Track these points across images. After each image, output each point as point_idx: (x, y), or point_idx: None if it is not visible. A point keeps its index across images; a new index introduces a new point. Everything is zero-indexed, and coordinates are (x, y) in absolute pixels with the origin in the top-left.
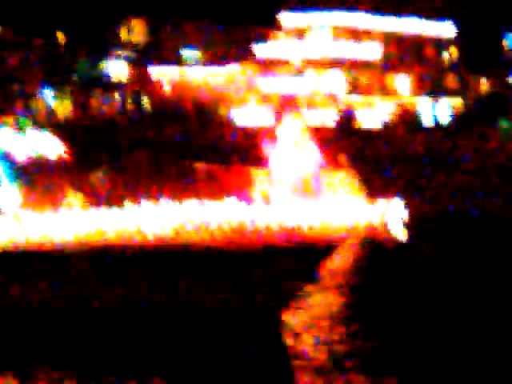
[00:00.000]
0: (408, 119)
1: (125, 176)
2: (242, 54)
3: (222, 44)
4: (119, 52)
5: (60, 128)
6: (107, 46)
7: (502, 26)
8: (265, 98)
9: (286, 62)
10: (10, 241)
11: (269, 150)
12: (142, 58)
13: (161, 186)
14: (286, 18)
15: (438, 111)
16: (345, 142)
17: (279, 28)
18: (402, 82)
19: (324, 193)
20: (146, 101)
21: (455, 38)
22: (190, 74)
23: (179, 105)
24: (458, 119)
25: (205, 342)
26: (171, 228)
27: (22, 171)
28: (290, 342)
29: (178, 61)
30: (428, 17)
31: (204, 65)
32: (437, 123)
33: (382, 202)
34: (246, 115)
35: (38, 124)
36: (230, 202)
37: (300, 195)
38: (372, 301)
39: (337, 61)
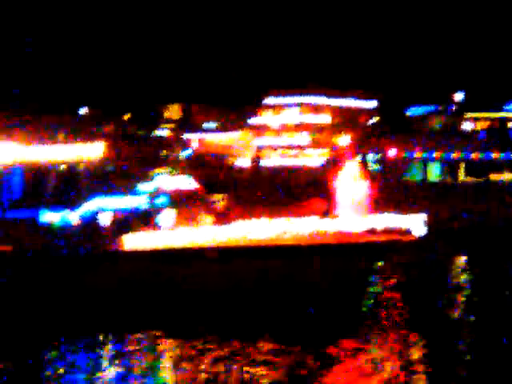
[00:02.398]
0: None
1: (237, 201)
2: (242, 124)
3: (229, 118)
4: (164, 125)
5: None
6: (156, 121)
7: (405, 103)
8: (258, 150)
9: (269, 128)
10: (168, 245)
11: (334, 183)
12: (178, 129)
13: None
14: (269, 100)
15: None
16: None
17: (265, 107)
18: (345, 139)
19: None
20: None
21: (377, 109)
22: (209, 137)
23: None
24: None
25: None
26: (273, 235)
27: (173, 200)
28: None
29: (201, 129)
30: (360, 98)
31: (218, 131)
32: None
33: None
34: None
35: (180, 171)
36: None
37: (356, 211)
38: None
39: (302, 126)
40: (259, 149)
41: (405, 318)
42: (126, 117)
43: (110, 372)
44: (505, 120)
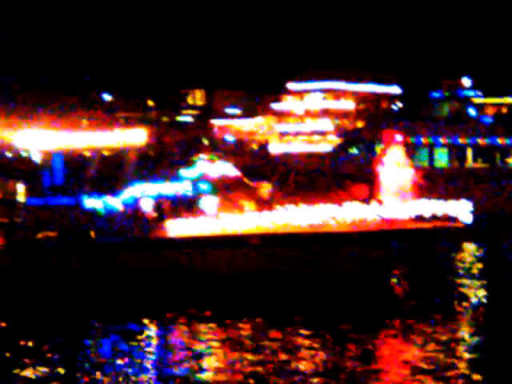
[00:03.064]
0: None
1: (280, 188)
2: (265, 110)
3: (252, 104)
4: (188, 111)
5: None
6: (181, 107)
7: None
8: (281, 137)
9: (293, 114)
10: (211, 231)
11: (379, 168)
12: (202, 115)
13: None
14: (291, 86)
15: None
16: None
17: (288, 92)
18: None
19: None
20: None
21: (400, 95)
22: (232, 124)
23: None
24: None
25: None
26: (315, 221)
27: (216, 187)
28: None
29: (225, 115)
30: (382, 83)
31: (241, 118)
32: None
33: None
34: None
35: (221, 158)
36: (352, 205)
37: (400, 197)
38: None
39: (325, 112)
40: (282, 134)
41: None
42: (151, 103)
43: (151, 356)
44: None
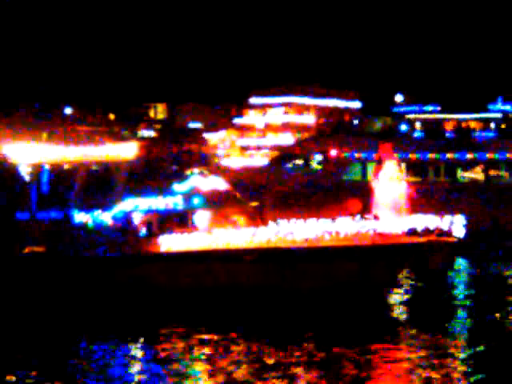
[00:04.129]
0: None
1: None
2: (228, 124)
3: (215, 118)
4: (149, 124)
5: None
6: (142, 120)
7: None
8: (243, 151)
9: (255, 128)
10: (204, 246)
11: (374, 184)
12: (164, 129)
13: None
14: (254, 100)
15: None
16: None
17: (250, 107)
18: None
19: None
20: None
21: (360, 109)
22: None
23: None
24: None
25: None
26: (310, 236)
27: (209, 201)
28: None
29: (187, 130)
30: (343, 98)
31: (204, 132)
32: None
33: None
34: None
35: (212, 172)
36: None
37: (394, 211)
38: None
39: (287, 126)
40: (243, 148)
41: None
42: (112, 116)
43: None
44: (441, 121)
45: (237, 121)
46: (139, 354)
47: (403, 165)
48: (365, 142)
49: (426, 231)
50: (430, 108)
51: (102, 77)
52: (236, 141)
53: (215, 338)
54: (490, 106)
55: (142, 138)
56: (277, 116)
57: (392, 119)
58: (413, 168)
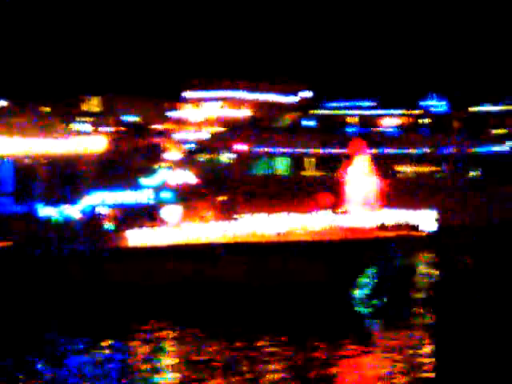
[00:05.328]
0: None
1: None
2: (163, 117)
3: (151, 112)
4: (83, 117)
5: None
6: (75, 113)
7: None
8: (178, 145)
9: (190, 122)
10: (173, 241)
11: (344, 176)
12: (98, 121)
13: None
14: (189, 94)
15: None
16: None
17: (186, 100)
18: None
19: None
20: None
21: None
22: (130, 132)
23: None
24: None
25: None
26: (280, 231)
27: (179, 195)
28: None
29: (122, 124)
30: (279, 92)
31: (140, 126)
32: None
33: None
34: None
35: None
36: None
37: (364, 205)
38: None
39: (222, 120)
40: (179, 143)
41: (410, 313)
42: (46, 109)
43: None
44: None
45: (172, 114)
46: (105, 352)
47: (313, 160)
48: (274, 137)
49: (396, 226)
50: (367, 104)
51: (36, 69)
52: (171, 135)
53: (180, 334)
54: (421, 103)
55: (78, 132)
56: (213, 110)
57: (298, 114)
58: (321, 163)
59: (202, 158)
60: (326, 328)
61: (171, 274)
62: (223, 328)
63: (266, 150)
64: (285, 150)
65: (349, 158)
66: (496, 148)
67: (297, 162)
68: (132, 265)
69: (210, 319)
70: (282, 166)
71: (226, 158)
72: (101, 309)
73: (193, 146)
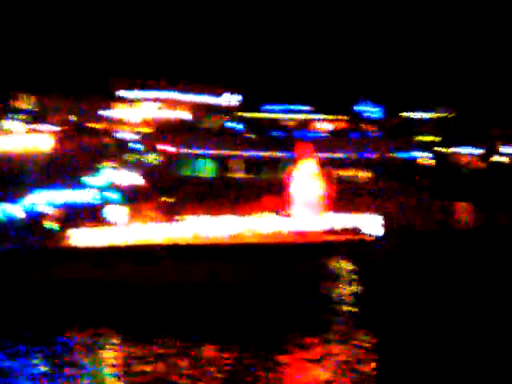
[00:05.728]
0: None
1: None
2: (97, 117)
3: (86, 111)
4: (15, 115)
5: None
6: (7, 111)
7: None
8: (120, 144)
9: (125, 122)
10: (118, 241)
11: (289, 181)
12: (31, 120)
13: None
14: (122, 94)
15: None
16: None
17: (119, 100)
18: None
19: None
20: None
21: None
22: (71, 130)
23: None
24: None
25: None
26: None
27: (124, 195)
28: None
29: (56, 122)
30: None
31: (81, 124)
32: None
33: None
34: None
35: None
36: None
37: (310, 210)
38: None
39: (156, 120)
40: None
41: (355, 316)
42: None
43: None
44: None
45: (105, 114)
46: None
47: (242, 162)
48: (201, 139)
49: (344, 230)
50: (300, 108)
51: None
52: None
53: (119, 340)
54: (355, 108)
55: (9, 130)
56: (148, 111)
57: (226, 117)
58: (250, 166)
59: (132, 158)
60: (271, 332)
61: (110, 274)
62: (145, 331)
63: (193, 151)
64: (211, 152)
65: (294, 160)
66: (418, 154)
67: (222, 163)
68: (70, 265)
69: (136, 321)
70: (207, 167)
71: (152, 158)
72: (28, 311)
73: (132, 145)
